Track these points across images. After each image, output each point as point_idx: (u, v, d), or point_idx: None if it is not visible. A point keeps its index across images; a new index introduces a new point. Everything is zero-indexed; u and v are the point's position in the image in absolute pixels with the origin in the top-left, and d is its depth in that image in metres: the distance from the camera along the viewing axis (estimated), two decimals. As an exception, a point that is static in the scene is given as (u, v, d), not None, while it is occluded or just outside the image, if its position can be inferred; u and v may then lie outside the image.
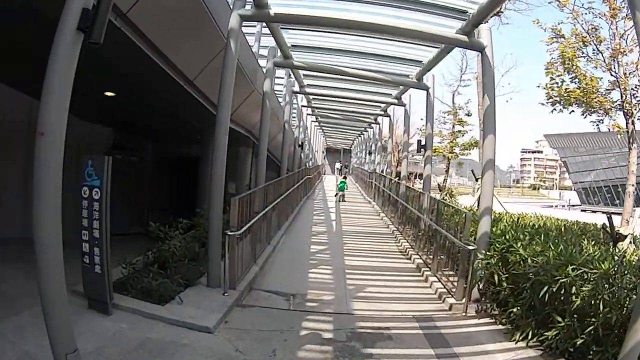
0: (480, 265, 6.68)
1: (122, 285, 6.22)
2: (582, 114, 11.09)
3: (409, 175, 24.55)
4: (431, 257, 9.17)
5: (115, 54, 6.61)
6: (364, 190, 27.77)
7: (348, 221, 15.67)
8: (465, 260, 7.00)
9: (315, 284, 7.93)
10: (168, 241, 7.25)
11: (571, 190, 74.72)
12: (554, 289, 5.02)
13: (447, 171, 26.25)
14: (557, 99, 10.74)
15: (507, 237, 6.65)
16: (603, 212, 42.95)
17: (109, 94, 10.16)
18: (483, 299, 6.94)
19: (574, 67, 9.96)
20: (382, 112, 20.30)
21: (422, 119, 27.99)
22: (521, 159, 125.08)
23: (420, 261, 9.58)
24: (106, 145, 14.53)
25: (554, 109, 11.04)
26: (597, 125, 11.44)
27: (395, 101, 15.63)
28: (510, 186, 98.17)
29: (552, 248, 5.59)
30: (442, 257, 8.43)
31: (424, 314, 6.65)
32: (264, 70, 11.31)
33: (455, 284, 7.39)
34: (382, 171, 25.02)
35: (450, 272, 7.97)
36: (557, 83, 10.54)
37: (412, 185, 16.38)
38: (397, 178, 18.82)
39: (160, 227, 7.48)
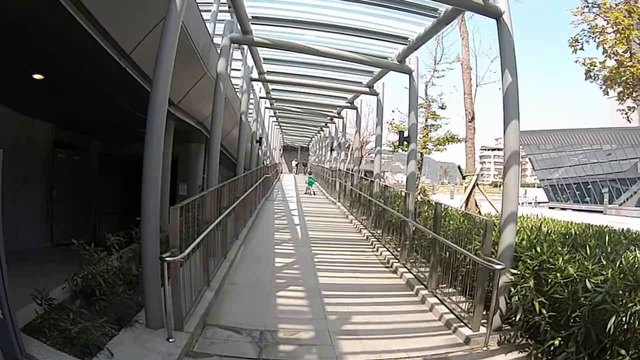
0: (516, 290, 5.28)
1: (40, 326, 4.43)
2: (617, 98, 9.75)
3: (366, 173, 23.19)
4: (424, 270, 7.74)
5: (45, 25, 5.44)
6: (326, 189, 26.17)
7: (314, 225, 14.01)
8: (485, 281, 5.54)
9: (287, 313, 6.25)
10: (92, 266, 5.39)
11: (534, 187, 75.61)
12: (623, 319, 3.89)
13: (420, 168, 24.87)
14: (605, 75, 9.29)
15: (541, 249, 5.24)
16: (574, 210, 43.67)
17: (37, 76, 8.35)
18: (505, 325, 5.56)
19: (628, 37, 8.53)
20: (349, 104, 18.71)
21: (393, 111, 26.67)
22: (480, 157, 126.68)
23: (410, 276, 8.03)
24: (47, 142, 12.73)
25: (608, 89, 9.57)
26: (626, 113, 10.11)
27: (367, 89, 14.02)
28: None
29: (608, 264, 4.42)
30: (441, 271, 6.99)
31: (437, 354, 5.12)
32: (219, 50, 9.47)
33: (463, 305, 6.01)
34: (347, 169, 23.54)
35: (452, 290, 6.56)
36: (610, 56, 9.13)
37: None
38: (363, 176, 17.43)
39: (84, 245, 5.62)
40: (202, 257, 6.36)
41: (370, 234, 12.12)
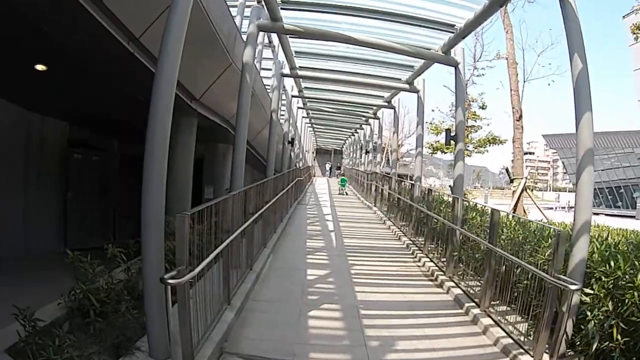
0: (592, 314, 4.33)
1: (23, 350, 3.73)
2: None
3: (400, 177, 22.08)
4: (474, 285, 6.76)
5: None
6: (361, 193, 25.12)
7: (349, 232, 13.01)
8: (554, 302, 4.50)
9: (320, 337, 5.28)
10: (86, 284, 4.57)
11: (566, 191, 73.61)
12: None
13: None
14: None
15: (615, 264, 4.35)
16: (606, 215, 41.35)
17: (40, 67, 7.67)
18: (568, 351, 4.62)
19: None
20: (386, 104, 17.65)
21: (433, 110, 25.45)
22: (512, 160, 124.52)
23: (459, 292, 6.96)
24: (61, 141, 11.98)
25: None
26: None
27: (407, 86, 12.96)
28: (504, 188, 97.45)
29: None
30: (495, 287, 5.98)
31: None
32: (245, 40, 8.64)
33: (521, 327, 5.05)
34: (384, 172, 22.48)
35: (507, 308, 5.59)
36: None
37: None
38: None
39: (80, 257, 4.82)
40: (222, 271, 5.48)
41: (410, 242, 11.05)
